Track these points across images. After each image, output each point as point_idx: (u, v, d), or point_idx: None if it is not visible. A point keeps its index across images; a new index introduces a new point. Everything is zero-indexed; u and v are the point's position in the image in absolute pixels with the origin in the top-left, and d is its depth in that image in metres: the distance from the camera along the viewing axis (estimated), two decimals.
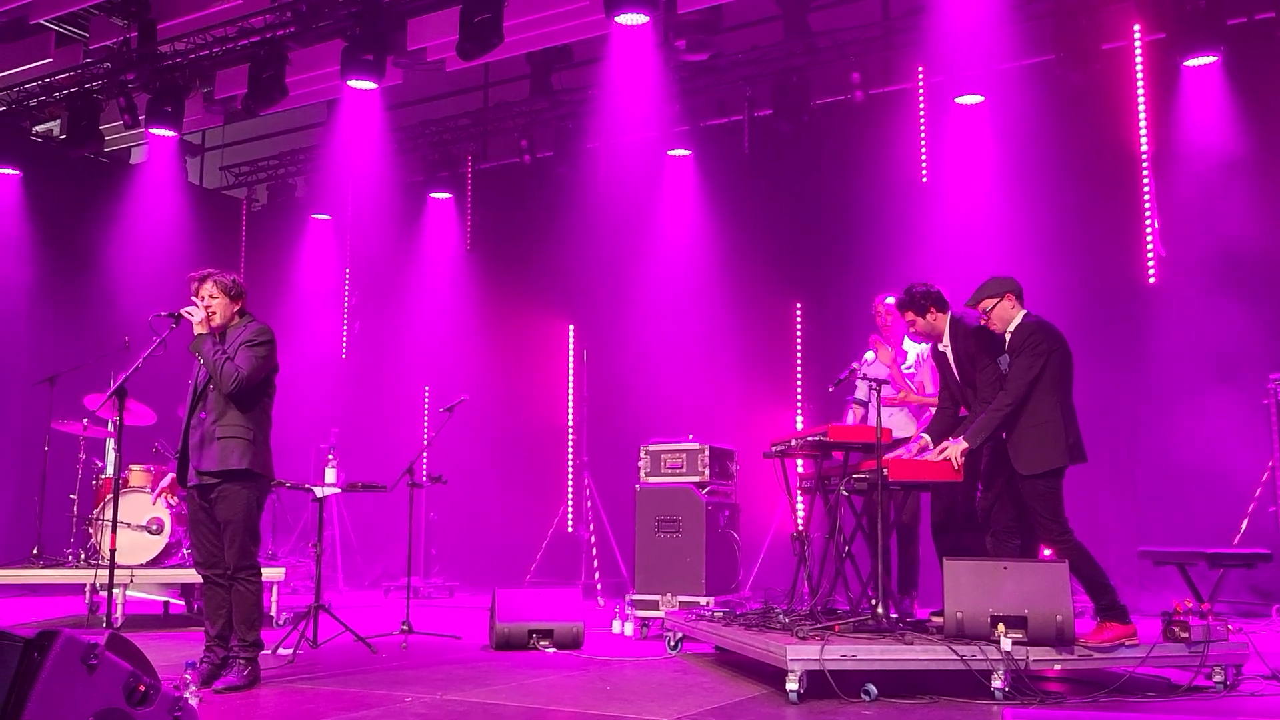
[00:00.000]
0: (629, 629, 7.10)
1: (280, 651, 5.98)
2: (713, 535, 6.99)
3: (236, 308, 5.20)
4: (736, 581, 7.36)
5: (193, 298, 5.15)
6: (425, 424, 12.09)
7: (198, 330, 5.07)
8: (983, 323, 5.31)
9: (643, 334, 10.83)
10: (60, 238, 11.55)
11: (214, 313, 5.11)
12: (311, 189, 12.95)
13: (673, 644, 6.30)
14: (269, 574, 7.74)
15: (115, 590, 6.13)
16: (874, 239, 9.65)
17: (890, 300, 6.66)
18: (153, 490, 5.15)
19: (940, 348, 5.65)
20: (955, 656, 4.58)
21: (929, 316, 5.59)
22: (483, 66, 11.37)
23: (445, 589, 10.63)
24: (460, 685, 5.04)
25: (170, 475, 5.23)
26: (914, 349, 6.67)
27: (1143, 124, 8.86)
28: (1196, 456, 8.29)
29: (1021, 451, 5.08)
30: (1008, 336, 5.23)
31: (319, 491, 6.88)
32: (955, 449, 5.19)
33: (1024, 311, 5.25)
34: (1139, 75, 8.87)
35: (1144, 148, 8.84)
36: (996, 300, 5.25)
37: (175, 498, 5.36)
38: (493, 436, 11.29)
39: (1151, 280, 8.69)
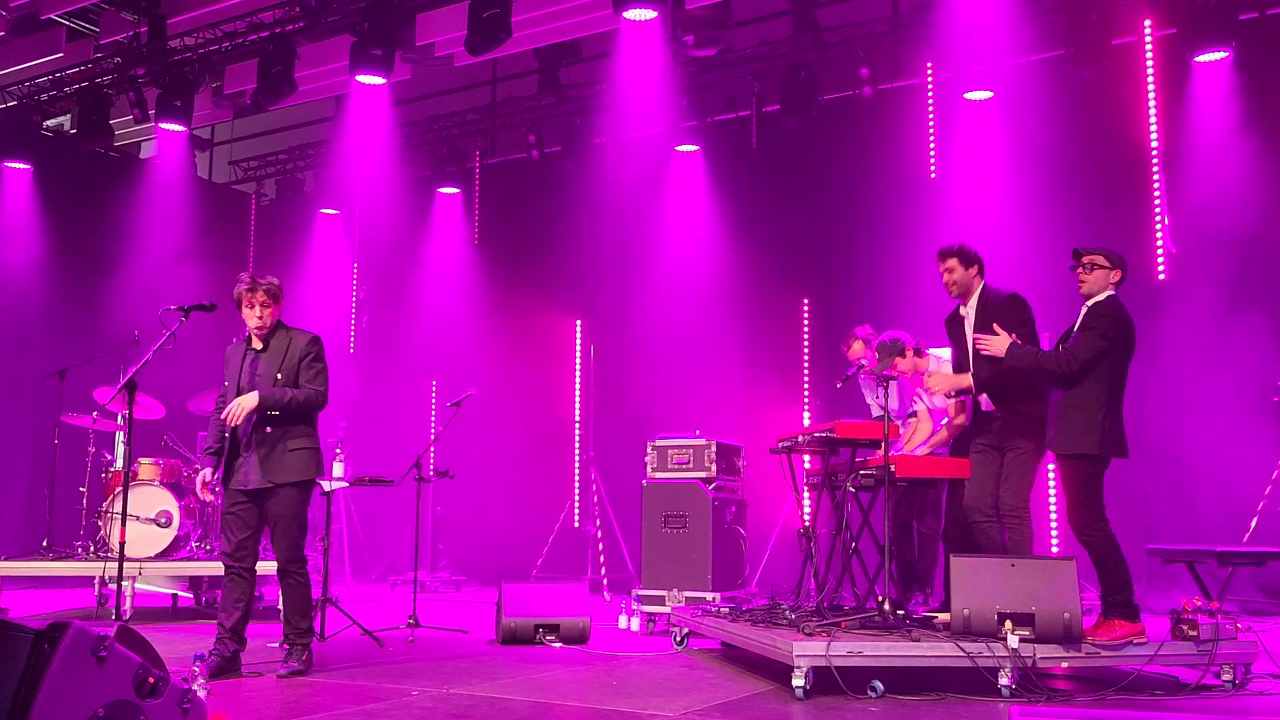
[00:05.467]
0: (635, 624, 7.11)
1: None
2: (719, 531, 6.99)
3: (279, 313, 5.32)
4: (743, 577, 7.36)
5: (244, 308, 5.21)
6: (433, 418, 12.11)
7: (252, 405, 5.07)
8: (1079, 276, 5.18)
9: (650, 329, 10.83)
10: (71, 232, 11.60)
11: (264, 323, 5.19)
12: (320, 183, 12.99)
13: (679, 639, 6.31)
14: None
15: (124, 582, 6.16)
16: (882, 235, 9.63)
17: (858, 344, 6.69)
18: (197, 488, 5.18)
19: (961, 309, 5.60)
20: (962, 653, 4.57)
21: (969, 271, 5.53)
22: (491, 62, 11.38)
23: (452, 583, 10.66)
24: (466, 679, 5.05)
25: (209, 471, 5.24)
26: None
27: (1153, 120, 8.82)
28: (1206, 453, 8.26)
29: (1058, 430, 5.07)
30: (1085, 309, 5.16)
31: (326, 485, 6.89)
32: (999, 342, 5.09)
33: (1112, 292, 5.18)
34: (1149, 71, 8.83)
35: (1154, 144, 8.80)
36: (1107, 269, 5.16)
37: (210, 494, 5.39)
38: (500, 431, 11.29)
39: (1161, 277, 8.66)
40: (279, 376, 5.18)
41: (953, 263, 5.56)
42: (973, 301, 5.55)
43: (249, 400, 5.07)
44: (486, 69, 11.89)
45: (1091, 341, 5.00)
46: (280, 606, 5.63)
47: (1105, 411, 4.98)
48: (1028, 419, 5.28)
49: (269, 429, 5.13)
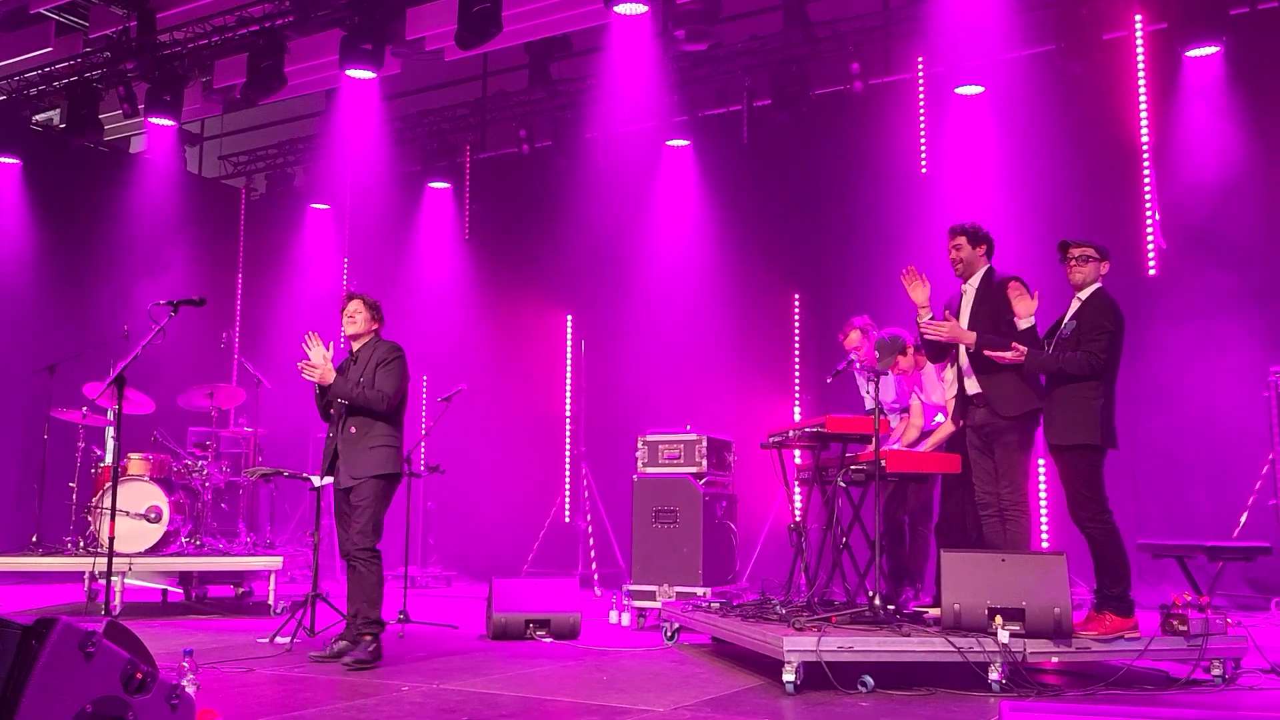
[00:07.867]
0: (626, 619, 7.11)
1: (278, 640, 5.99)
2: (710, 526, 6.99)
3: (375, 326, 5.74)
4: (733, 572, 7.37)
5: (343, 316, 5.70)
6: (423, 414, 12.08)
7: (328, 380, 5.52)
8: (1071, 268, 5.24)
9: (641, 324, 10.82)
10: (60, 226, 11.54)
11: (354, 321, 5.68)
12: (310, 178, 12.94)
13: (669, 634, 6.31)
14: (267, 563, 7.79)
15: (114, 578, 6.14)
16: (873, 230, 9.63)
17: (856, 333, 6.69)
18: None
19: (964, 286, 5.61)
20: (952, 648, 4.58)
21: (976, 250, 5.57)
22: (481, 56, 11.34)
23: (442, 578, 10.65)
24: (457, 674, 5.05)
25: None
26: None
27: (1143, 115, 8.83)
28: (1196, 449, 8.28)
29: (1055, 422, 5.09)
30: (1077, 302, 5.20)
31: (317, 481, 6.85)
32: (1015, 353, 5.11)
33: (1101, 284, 5.24)
34: (1140, 66, 8.83)
35: (1145, 139, 8.81)
36: (1098, 260, 5.23)
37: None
38: (490, 426, 11.28)
39: (1152, 272, 8.67)
40: (360, 381, 5.55)
41: (961, 240, 5.60)
42: (974, 280, 5.57)
43: (330, 375, 5.52)
44: (477, 63, 11.85)
45: (1104, 340, 5.05)
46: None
47: (1102, 401, 5.02)
48: (1010, 399, 5.27)
49: (352, 429, 5.52)
